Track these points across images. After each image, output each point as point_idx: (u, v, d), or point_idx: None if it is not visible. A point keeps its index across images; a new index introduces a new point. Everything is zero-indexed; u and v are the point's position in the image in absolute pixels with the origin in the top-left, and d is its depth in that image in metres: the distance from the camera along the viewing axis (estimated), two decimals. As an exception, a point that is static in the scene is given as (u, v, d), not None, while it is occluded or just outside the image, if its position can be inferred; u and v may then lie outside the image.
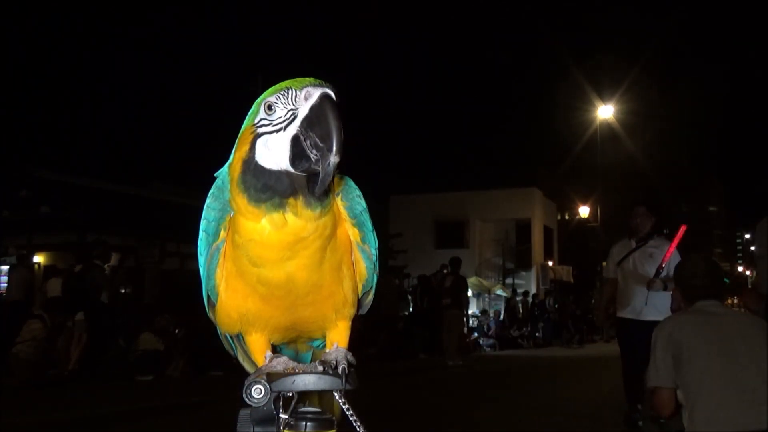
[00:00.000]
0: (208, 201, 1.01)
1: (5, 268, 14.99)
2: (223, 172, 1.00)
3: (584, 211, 28.15)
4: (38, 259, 15.39)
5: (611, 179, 31.26)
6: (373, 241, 1.06)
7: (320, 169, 0.87)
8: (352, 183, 1.05)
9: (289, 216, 0.91)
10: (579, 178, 31.56)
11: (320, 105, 0.89)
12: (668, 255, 4.83)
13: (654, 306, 4.84)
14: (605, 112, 24.22)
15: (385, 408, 5.67)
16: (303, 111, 0.89)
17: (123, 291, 11.41)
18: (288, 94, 0.91)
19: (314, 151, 0.88)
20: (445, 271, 12.41)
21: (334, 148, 0.86)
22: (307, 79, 0.92)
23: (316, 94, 0.90)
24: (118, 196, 16.28)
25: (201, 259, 1.03)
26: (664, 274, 4.85)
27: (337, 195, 1.01)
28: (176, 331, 9.46)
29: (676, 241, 4.89)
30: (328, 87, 0.90)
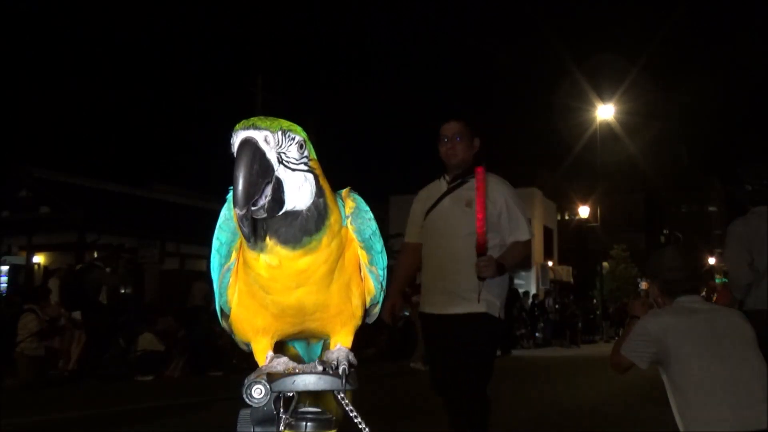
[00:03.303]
0: (220, 221, 1.00)
1: (5, 268, 15.03)
2: None
3: (584, 211, 28.14)
4: (38, 259, 15.40)
5: (611, 179, 31.29)
6: (381, 262, 1.06)
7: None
8: (362, 206, 1.04)
9: (276, 255, 0.91)
10: (579, 178, 31.58)
11: (237, 154, 0.86)
12: (481, 216, 2.98)
13: (459, 294, 3.08)
14: (605, 112, 24.24)
15: (384, 408, 5.67)
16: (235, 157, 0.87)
17: (123, 291, 11.44)
18: (232, 137, 0.88)
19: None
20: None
21: (238, 202, 0.83)
22: (248, 120, 0.88)
23: (238, 140, 0.87)
24: (118, 196, 16.29)
25: (213, 275, 1.03)
26: (493, 244, 3.07)
27: (347, 217, 1.01)
28: (177, 332, 9.49)
29: (480, 189, 3.01)
30: (256, 127, 0.87)
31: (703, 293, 4.03)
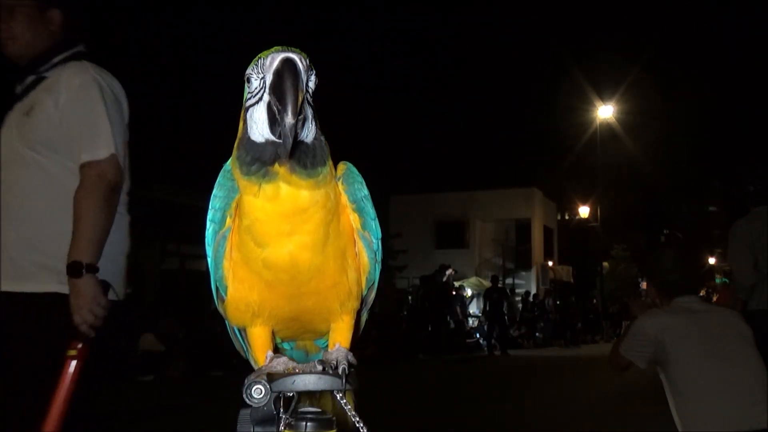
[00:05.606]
0: (214, 191, 1.02)
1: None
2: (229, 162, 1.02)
3: (584, 211, 28.15)
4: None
5: (611, 179, 31.30)
6: (374, 229, 1.05)
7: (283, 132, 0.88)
8: (354, 170, 1.05)
9: (281, 185, 0.93)
10: (579, 178, 31.59)
11: (279, 69, 0.89)
12: None
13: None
14: (605, 112, 24.28)
15: (384, 408, 5.67)
16: (269, 77, 0.90)
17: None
18: (259, 63, 0.92)
19: (279, 115, 0.89)
20: (449, 272, 12.71)
21: (288, 110, 0.86)
22: (277, 46, 0.92)
23: (278, 58, 0.90)
24: (118, 197, 16.28)
25: (208, 250, 1.03)
26: None
27: (338, 179, 1.02)
28: (178, 332, 9.50)
29: None
30: (292, 51, 0.91)
31: (703, 293, 4.03)
